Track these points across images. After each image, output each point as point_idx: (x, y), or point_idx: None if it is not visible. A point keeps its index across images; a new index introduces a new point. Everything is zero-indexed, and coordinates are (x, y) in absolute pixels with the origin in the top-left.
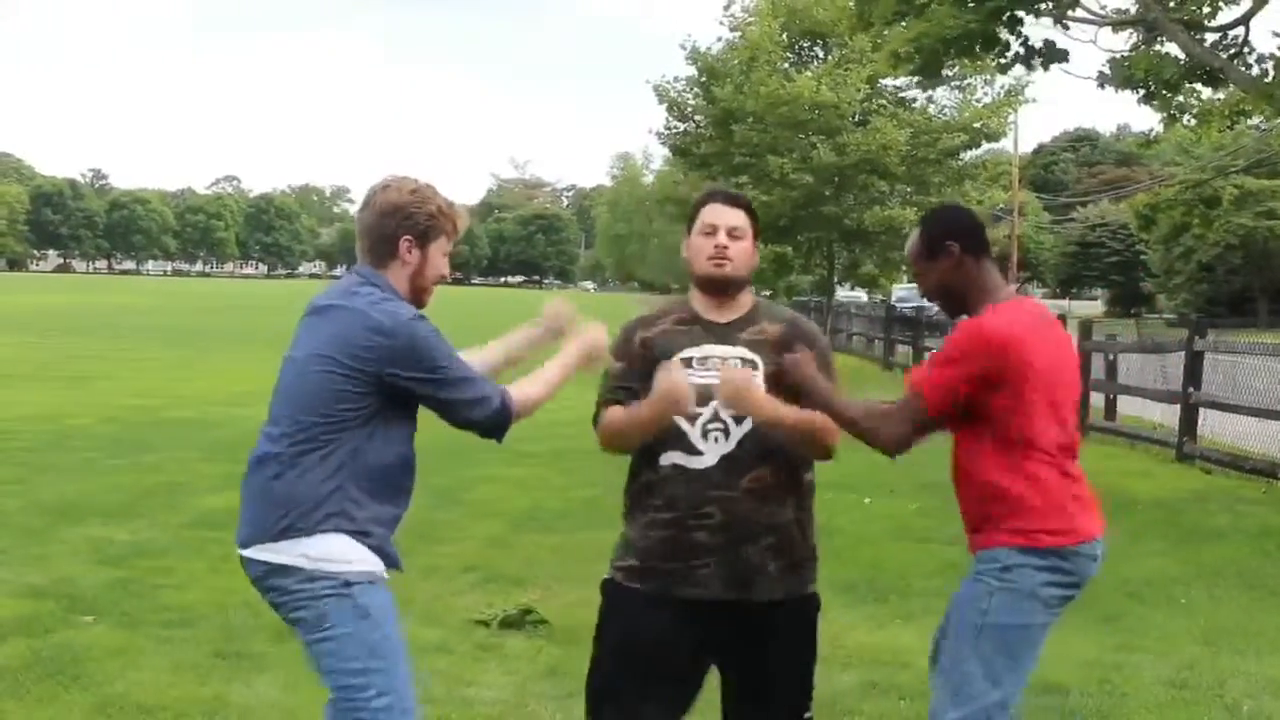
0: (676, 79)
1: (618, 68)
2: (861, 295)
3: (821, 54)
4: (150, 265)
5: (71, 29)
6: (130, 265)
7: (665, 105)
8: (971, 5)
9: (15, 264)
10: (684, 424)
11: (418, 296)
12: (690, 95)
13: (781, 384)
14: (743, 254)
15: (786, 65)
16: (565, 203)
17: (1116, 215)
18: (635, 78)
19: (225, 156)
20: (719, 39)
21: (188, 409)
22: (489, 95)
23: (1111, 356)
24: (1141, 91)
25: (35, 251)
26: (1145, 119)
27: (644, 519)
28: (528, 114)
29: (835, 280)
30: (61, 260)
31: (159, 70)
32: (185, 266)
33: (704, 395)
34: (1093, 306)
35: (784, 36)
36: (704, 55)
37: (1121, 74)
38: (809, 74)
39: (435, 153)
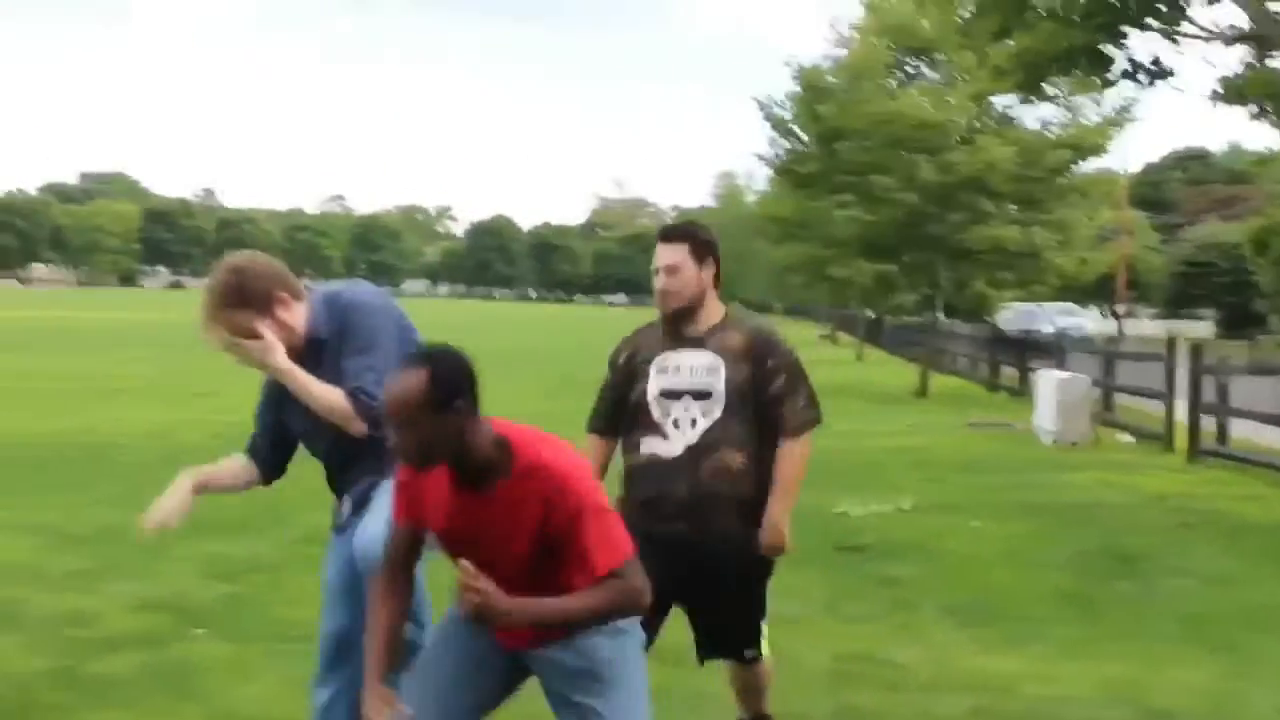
0: (781, 99)
1: (721, 87)
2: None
3: (927, 71)
4: None
5: (184, 52)
6: None
7: (770, 123)
8: (1077, 21)
9: (127, 280)
10: (656, 415)
11: None
12: (795, 114)
13: (743, 392)
14: (684, 284)
15: (892, 83)
16: (668, 222)
17: (1227, 234)
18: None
19: (332, 177)
20: (824, 56)
21: None
22: (592, 115)
23: (1223, 380)
24: (1255, 109)
25: (146, 268)
26: (1259, 136)
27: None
28: (631, 133)
29: (938, 301)
30: (172, 277)
31: (270, 92)
32: None
33: (673, 394)
34: (1202, 328)
35: (890, 54)
36: (809, 73)
37: (1234, 91)
38: (914, 91)
39: (538, 172)
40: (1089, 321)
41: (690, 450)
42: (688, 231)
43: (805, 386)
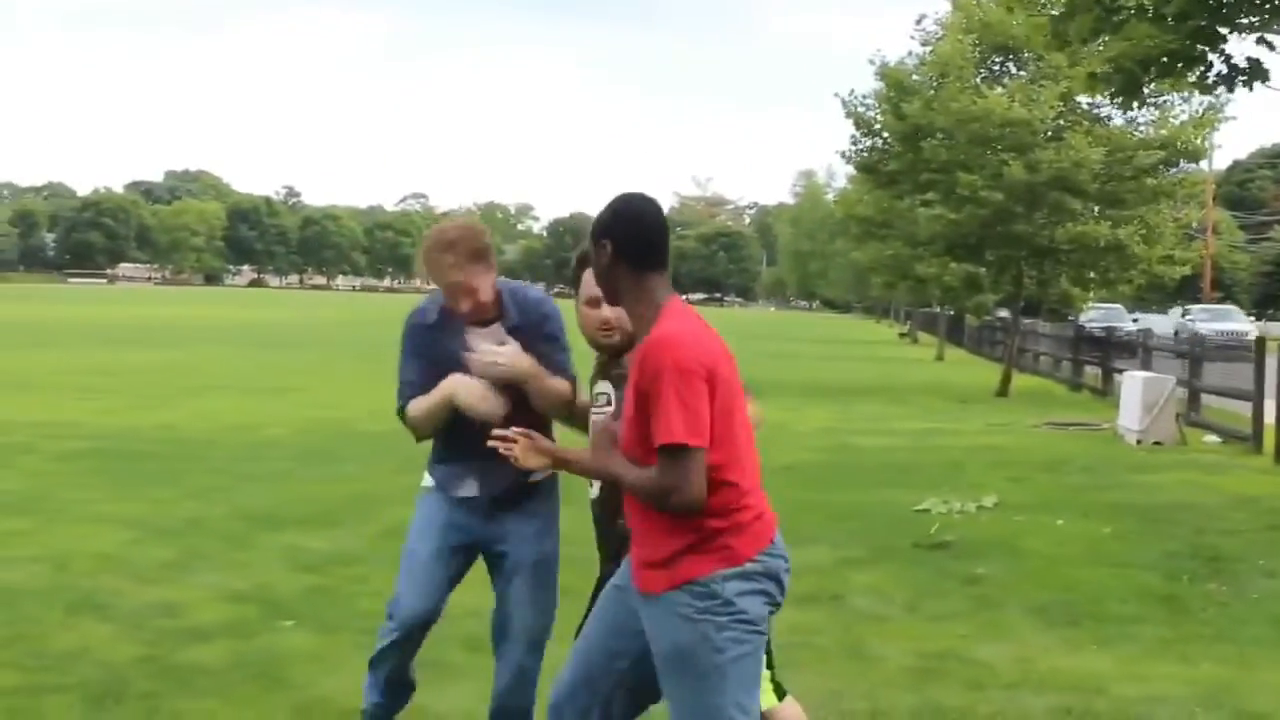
0: (865, 95)
1: (802, 85)
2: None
3: (1014, 69)
4: (340, 280)
5: (266, 52)
6: (321, 280)
7: (852, 120)
8: (1172, 23)
9: (211, 279)
10: None
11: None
12: (878, 111)
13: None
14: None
15: (978, 81)
16: (747, 220)
17: None
18: (820, 95)
19: (413, 174)
20: (909, 53)
21: (380, 422)
22: (672, 112)
23: None
24: None
25: (231, 267)
26: None
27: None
28: (710, 131)
29: (1022, 299)
30: (255, 275)
31: (351, 90)
32: (374, 282)
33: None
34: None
35: (976, 52)
36: (893, 71)
37: None
38: (1001, 90)
39: (618, 170)
40: (1247, 325)
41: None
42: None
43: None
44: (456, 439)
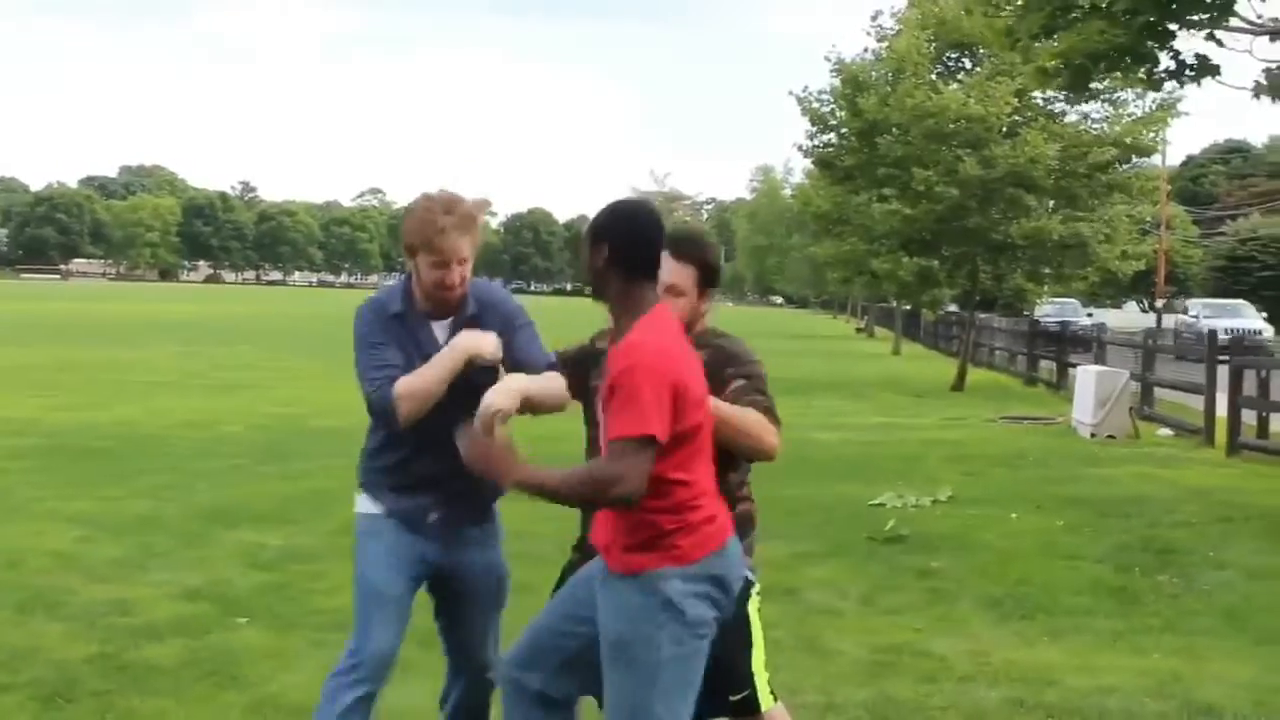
0: (820, 91)
1: (759, 80)
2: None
3: (969, 65)
4: (296, 276)
5: (223, 45)
6: (277, 276)
7: (808, 117)
8: (1123, 19)
9: (166, 274)
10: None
11: (428, 301)
12: (834, 107)
13: None
14: (681, 311)
15: (933, 77)
16: (705, 215)
17: (1270, 228)
18: (776, 90)
19: (371, 169)
20: (865, 49)
21: (334, 417)
22: (631, 106)
23: (1264, 373)
24: None
25: (186, 262)
26: None
27: None
28: (669, 125)
29: (978, 294)
30: (211, 270)
31: (308, 84)
32: (330, 278)
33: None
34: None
35: (931, 48)
36: (849, 66)
37: (1277, 84)
38: (956, 86)
39: (574, 165)
40: (1260, 322)
41: None
42: (696, 254)
43: (763, 390)
44: (418, 464)
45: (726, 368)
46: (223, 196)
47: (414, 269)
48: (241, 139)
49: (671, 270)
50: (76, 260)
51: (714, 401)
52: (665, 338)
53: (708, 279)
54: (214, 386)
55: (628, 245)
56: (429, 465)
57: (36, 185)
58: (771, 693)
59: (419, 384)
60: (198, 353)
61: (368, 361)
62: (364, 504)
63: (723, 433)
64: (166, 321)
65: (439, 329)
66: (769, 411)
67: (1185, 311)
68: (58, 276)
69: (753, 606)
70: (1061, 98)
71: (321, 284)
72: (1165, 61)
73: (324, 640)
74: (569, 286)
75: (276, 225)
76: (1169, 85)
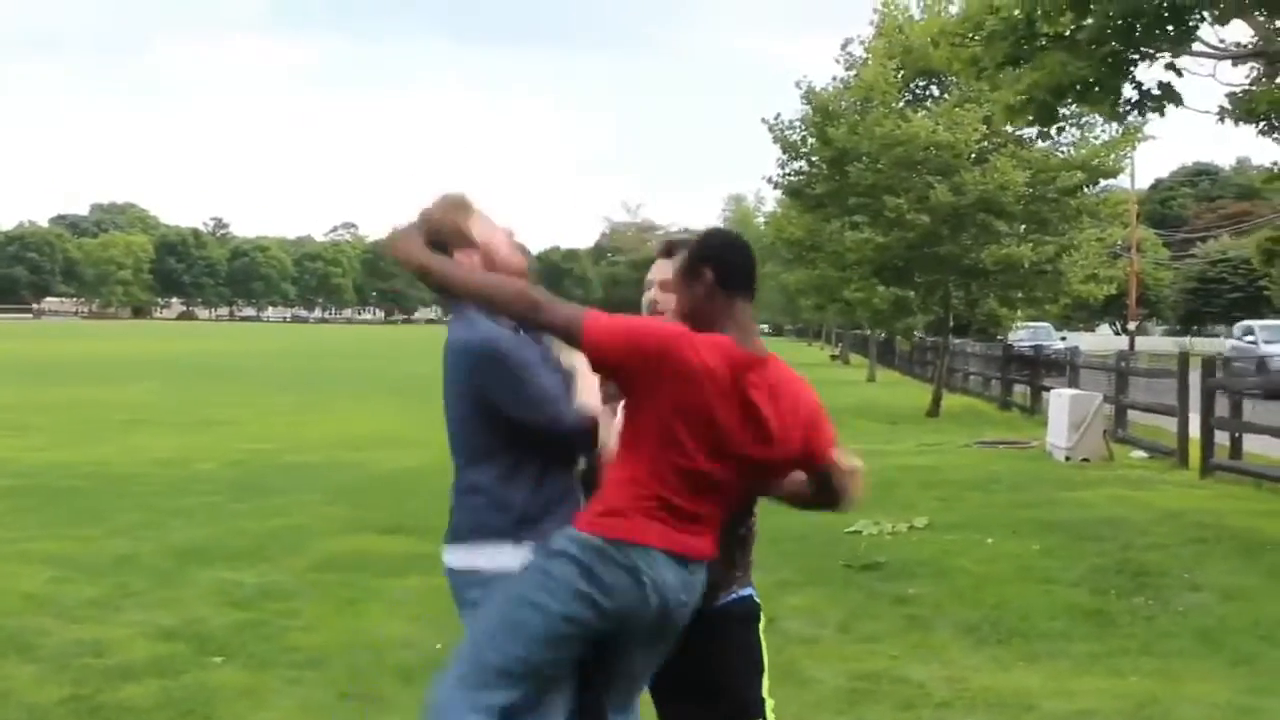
0: (791, 121)
1: (731, 109)
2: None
3: (937, 92)
4: (270, 312)
5: (192, 81)
6: (251, 312)
7: (779, 145)
8: (1087, 49)
9: (140, 311)
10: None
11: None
12: (805, 135)
13: None
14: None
15: (902, 104)
16: None
17: (1239, 250)
18: (749, 118)
19: (343, 203)
20: (834, 78)
21: (310, 453)
22: (602, 138)
23: (1236, 394)
24: (1263, 124)
25: (159, 299)
26: (1268, 152)
27: None
28: (640, 156)
29: (950, 322)
30: (185, 307)
31: (279, 119)
32: (304, 313)
33: None
34: (1217, 344)
35: (899, 76)
36: (819, 95)
37: (1243, 108)
38: (924, 113)
39: (547, 196)
40: None
41: None
42: (680, 247)
43: None
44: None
45: None
46: (195, 233)
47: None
48: (213, 175)
49: (661, 269)
50: (49, 299)
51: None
52: (730, 343)
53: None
54: (188, 424)
55: (728, 265)
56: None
57: (7, 224)
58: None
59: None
60: (172, 390)
61: (543, 390)
62: (504, 556)
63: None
64: (140, 359)
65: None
66: None
67: (1241, 335)
68: (30, 315)
69: (761, 629)
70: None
71: (295, 319)
72: (1128, 92)
73: (299, 678)
74: None
75: (249, 261)
76: (1132, 114)
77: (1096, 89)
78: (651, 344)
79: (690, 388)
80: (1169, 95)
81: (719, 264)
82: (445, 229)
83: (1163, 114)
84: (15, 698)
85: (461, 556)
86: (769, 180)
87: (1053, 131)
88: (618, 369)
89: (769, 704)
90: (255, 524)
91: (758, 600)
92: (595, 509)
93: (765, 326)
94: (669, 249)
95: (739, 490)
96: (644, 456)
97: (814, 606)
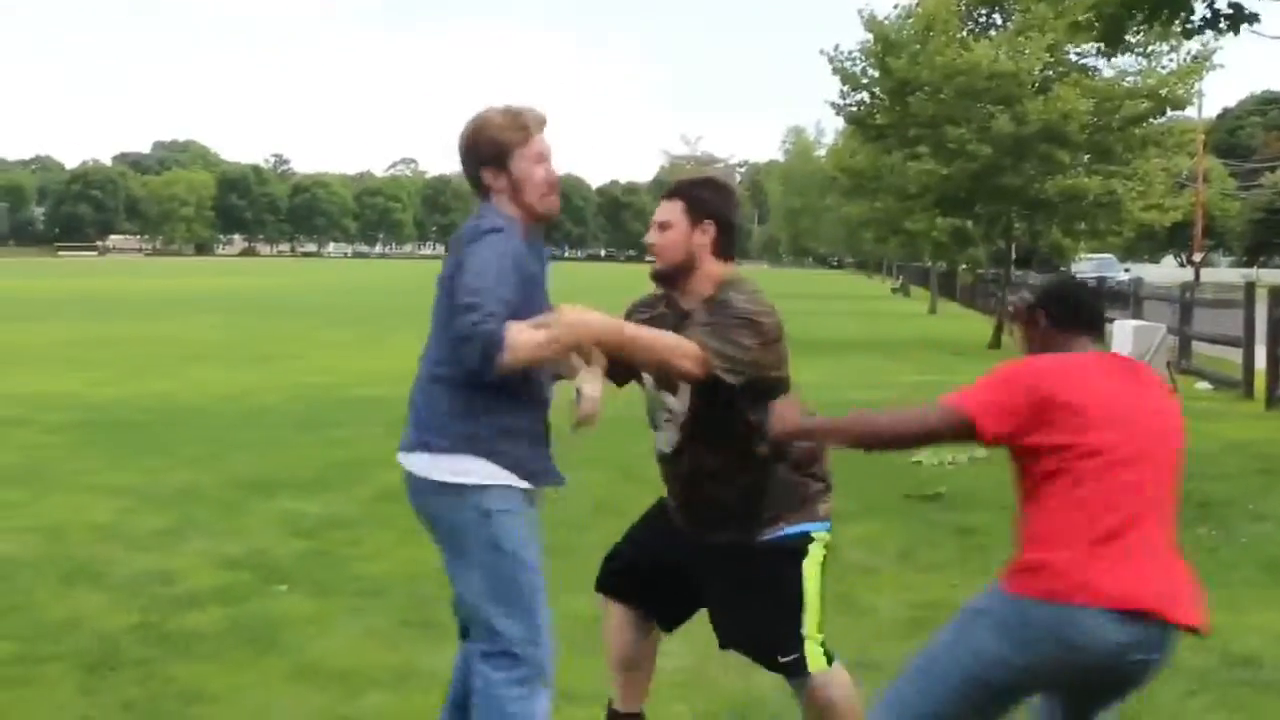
0: (850, 51)
1: (792, 39)
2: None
3: (1000, 21)
4: (331, 247)
5: (253, 18)
6: (312, 248)
7: (839, 76)
8: None
9: (202, 248)
10: (648, 405)
11: (534, 214)
12: (865, 66)
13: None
14: (669, 246)
15: (964, 34)
16: (738, 178)
17: None
18: (808, 50)
19: (403, 139)
20: (895, 6)
21: (371, 386)
22: (663, 70)
23: None
24: None
25: (221, 236)
26: None
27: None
28: (701, 89)
29: (1013, 253)
30: (246, 244)
31: (339, 55)
32: (365, 249)
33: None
34: None
35: (961, 5)
36: (880, 24)
37: None
38: (987, 42)
39: (608, 130)
40: None
41: (676, 450)
42: (683, 188)
43: (735, 337)
44: (537, 402)
45: (722, 309)
46: (256, 169)
47: (505, 182)
48: (273, 112)
49: (659, 210)
50: (113, 237)
51: (625, 324)
52: (1069, 362)
53: (696, 211)
54: (251, 358)
55: (1060, 304)
56: (540, 399)
57: (71, 163)
58: (826, 654)
59: (531, 345)
60: (234, 325)
61: (494, 286)
62: (495, 474)
63: (628, 352)
64: (203, 295)
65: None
66: (705, 346)
67: None
68: (95, 253)
69: (811, 563)
70: (1094, 52)
71: (357, 255)
72: (1200, 10)
73: (362, 606)
74: (603, 252)
75: (310, 197)
76: (1204, 36)
77: (1166, 8)
78: (1020, 399)
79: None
80: (1241, 16)
81: (1050, 306)
82: (485, 144)
83: (1237, 33)
84: (87, 625)
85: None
86: (833, 105)
87: (1118, 54)
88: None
89: (812, 642)
90: (318, 455)
91: (813, 535)
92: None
93: (811, 260)
94: (670, 190)
95: None
96: None
97: (873, 537)
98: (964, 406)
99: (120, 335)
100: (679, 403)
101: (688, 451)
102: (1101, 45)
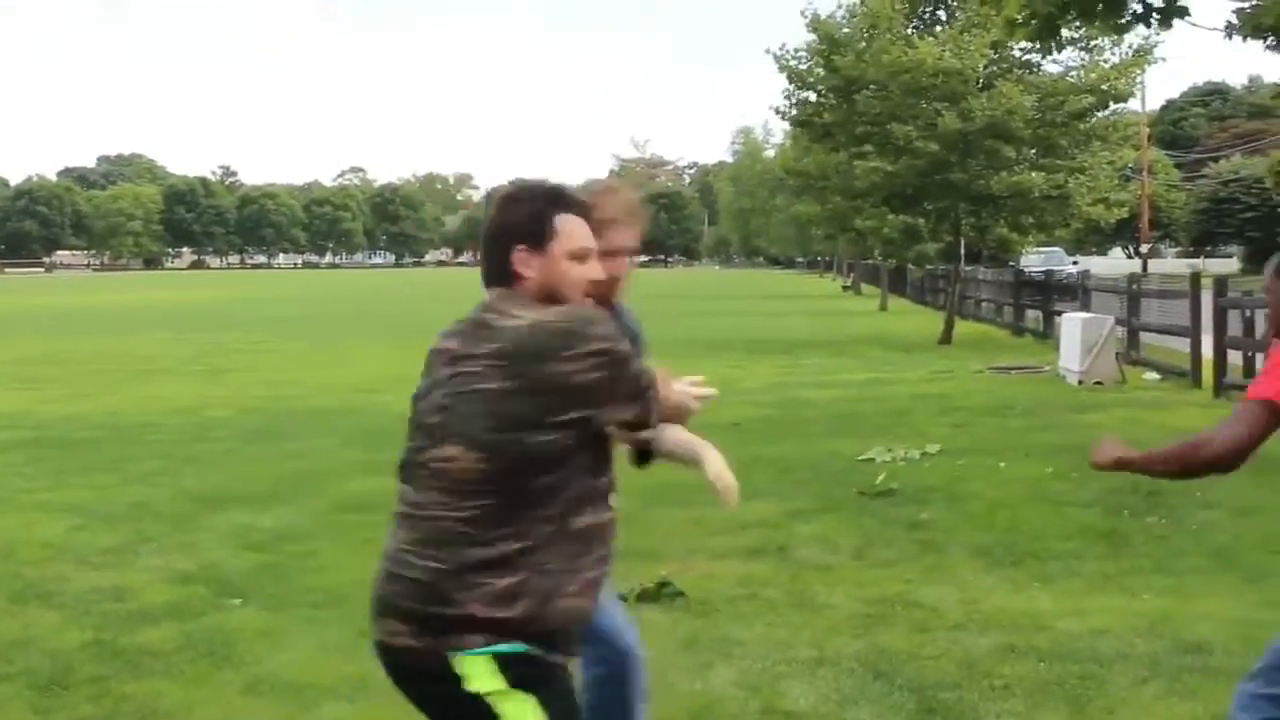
0: (797, 50)
1: (736, 41)
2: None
3: (944, 17)
4: (281, 258)
5: (195, 29)
6: (262, 259)
7: (785, 75)
8: None
9: (151, 262)
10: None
11: None
12: (811, 64)
13: None
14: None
15: (909, 31)
16: (687, 180)
17: (1251, 169)
18: (755, 50)
19: (350, 148)
20: (839, 5)
21: (323, 398)
22: (607, 75)
23: (1249, 313)
24: (1271, 39)
25: (170, 250)
26: (1278, 68)
27: (580, 575)
28: (648, 92)
29: (960, 248)
30: (195, 257)
31: (284, 65)
32: (315, 258)
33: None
34: (1229, 264)
35: (905, 3)
36: (824, 23)
37: (1250, 23)
38: (931, 40)
39: (556, 135)
40: None
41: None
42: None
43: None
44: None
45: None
46: (203, 182)
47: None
48: (218, 123)
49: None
50: (60, 253)
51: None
52: None
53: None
54: (202, 372)
55: None
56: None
57: (15, 179)
58: None
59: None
60: (184, 339)
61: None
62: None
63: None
64: (152, 310)
65: None
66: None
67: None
68: (42, 270)
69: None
70: (1036, 48)
71: (307, 265)
72: (1133, 4)
73: (317, 618)
74: None
75: (258, 208)
76: (1142, 30)
77: (1100, 3)
78: None
79: None
80: (1173, 9)
81: None
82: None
83: (1169, 27)
84: (38, 644)
85: None
86: (777, 111)
87: (1056, 51)
88: None
89: None
90: (271, 468)
91: (530, 668)
92: None
93: (760, 259)
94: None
95: None
96: None
97: (828, 534)
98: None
99: (69, 352)
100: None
101: None
102: (1041, 44)
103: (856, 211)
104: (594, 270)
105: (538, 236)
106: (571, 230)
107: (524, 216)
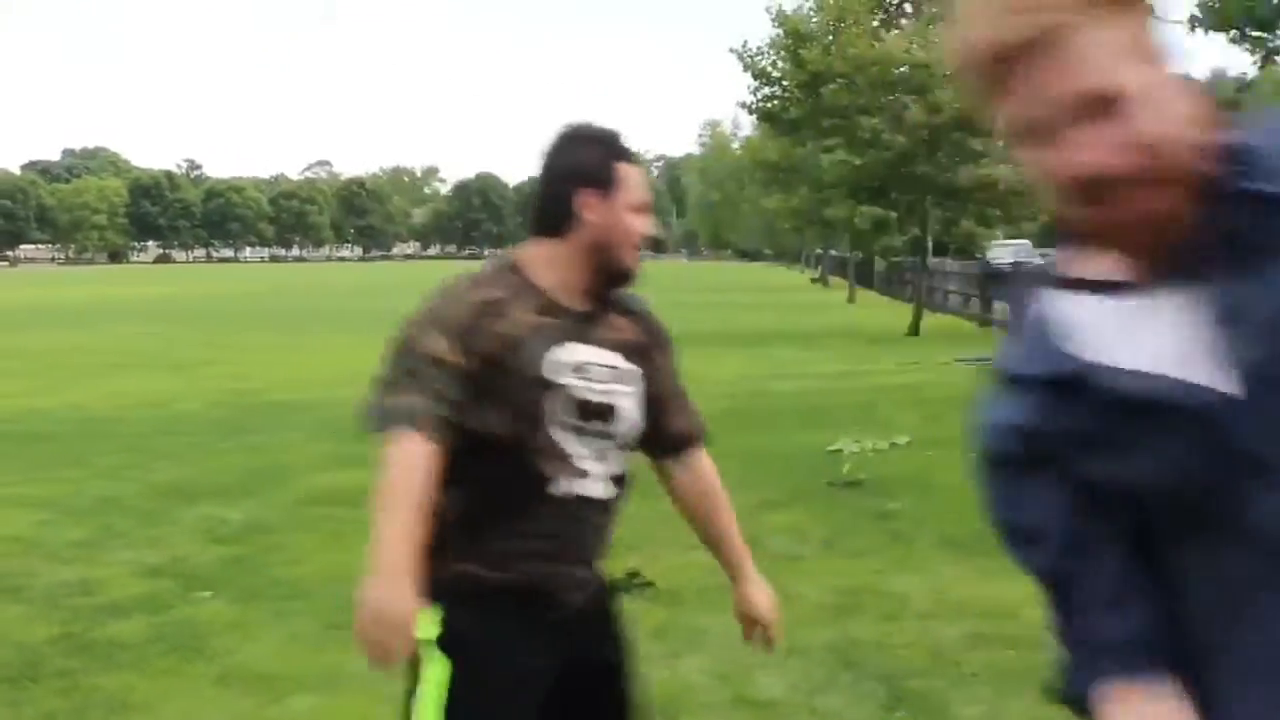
0: (760, 47)
1: (707, 33)
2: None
3: (910, 10)
4: (248, 252)
5: (161, 22)
6: (228, 253)
7: (749, 73)
8: None
9: (116, 256)
10: (570, 444)
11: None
12: (775, 60)
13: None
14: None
15: (875, 24)
16: (655, 173)
17: None
18: (722, 42)
19: (317, 141)
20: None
21: (290, 391)
22: (577, 65)
23: None
24: (1234, 33)
25: (135, 244)
26: (1239, 62)
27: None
28: (616, 83)
29: (928, 240)
30: (161, 251)
31: (249, 58)
32: (281, 252)
33: (597, 409)
34: None
35: None
36: (790, 18)
37: (1213, 16)
38: (898, 33)
39: (522, 129)
40: None
41: (616, 478)
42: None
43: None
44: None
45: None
46: (169, 175)
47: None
48: (184, 117)
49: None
50: (24, 247)
51: None
52: None
53: None
54: (169, 366)
55: None
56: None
57: None
58: None
59: None
60: (151, 333)
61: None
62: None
63: None
64: (118, 304)
65: None
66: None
67: None
68: (5, 264)
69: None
70: None
71: (274, 259)
72: None
73: (286, 610)
74: None
75: (224, 202)
76: None
77: None
78: None
79: None
80: None
81: None
82: None
83: None
84: (7, 638)
85: None
86: (743, 105)
87: None
88: None
89: None
90: (239, 462)
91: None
92: None
93: (729, 251)
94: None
95: None
96: None
97: (797, 524)
98: None
99: (34, 346)
100: (633, 409)
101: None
102: None
103: (824, 203)
104: (649, 225)
105: (605, 183)
106: (634, 181)
107: (594, 160)
